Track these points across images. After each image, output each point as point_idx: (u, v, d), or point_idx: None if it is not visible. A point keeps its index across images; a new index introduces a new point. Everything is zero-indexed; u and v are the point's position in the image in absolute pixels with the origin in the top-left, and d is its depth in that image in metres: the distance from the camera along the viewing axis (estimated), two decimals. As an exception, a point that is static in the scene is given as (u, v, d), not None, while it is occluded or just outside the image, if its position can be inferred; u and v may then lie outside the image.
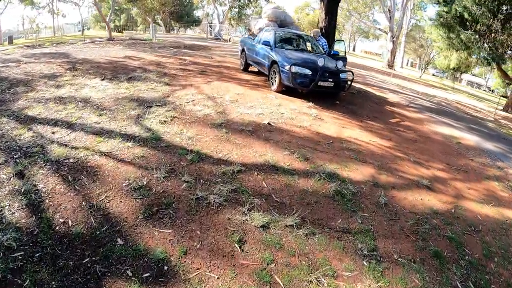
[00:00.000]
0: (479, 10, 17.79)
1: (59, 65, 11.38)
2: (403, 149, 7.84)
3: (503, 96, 30.28)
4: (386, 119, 10.21)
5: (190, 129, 6.54)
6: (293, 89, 10.06)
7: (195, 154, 5.58)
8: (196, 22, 60.38)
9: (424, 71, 46.98)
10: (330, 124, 8.34)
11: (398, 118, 10.65)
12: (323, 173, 5.61)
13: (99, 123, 6.43)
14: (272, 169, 5.53)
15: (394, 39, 39.15)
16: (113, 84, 9.20)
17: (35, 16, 49.44)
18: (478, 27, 18.57)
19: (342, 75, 9.95)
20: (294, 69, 9.40)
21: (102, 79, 9.76)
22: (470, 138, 10.37)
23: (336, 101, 10.70)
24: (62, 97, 7.75)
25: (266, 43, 10.96)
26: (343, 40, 15.70)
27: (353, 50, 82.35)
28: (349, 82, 10.39)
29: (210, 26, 37.99)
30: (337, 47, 19.41)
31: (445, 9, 19.80)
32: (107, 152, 5.36)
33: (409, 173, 6.56)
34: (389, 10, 39.51)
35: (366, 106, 11.14)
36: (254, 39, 13.09)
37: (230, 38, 34.66)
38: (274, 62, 10.33)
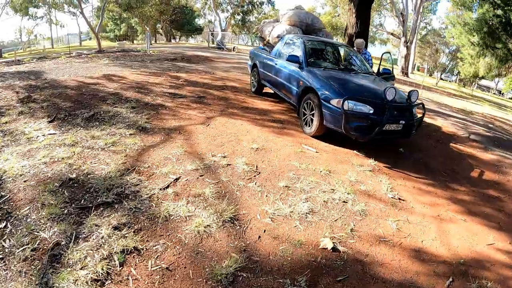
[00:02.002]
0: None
1: (17, 92, 8.40)
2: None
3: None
4: (467, 174, 6.46)
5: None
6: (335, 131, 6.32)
7: None
8: (198, 30, 57.12)
9: (440, 78, 43.59)
10: (425, 217, 4.51)
11: (475, 168, 6.80)
12: None
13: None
14: None
15: (408, 44, 35.57)
16: (58, 134, 5.79)
17: (33, 27, 45.78)
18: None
19: (412, 111, 6.38)
20: (349, 105, 5.84)
21: (51, 121, 6.46)
22: None
23: (400, 148, 7.05)
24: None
25: (292, 59, 7.33)
26: (389, 52, 12.01)
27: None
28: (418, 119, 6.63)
29: (212, 34, 34.58)
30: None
31: (497, 12, 16.66)
32: None
33: None
34: (401, 14, 36.06)
35: (431, 150, 7.33)
36: (269, 50, 9.58)
37: (234, 47, 31.21)
38: (308, 90, 6.80)
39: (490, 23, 17.47)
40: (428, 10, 46.76)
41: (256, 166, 5.06)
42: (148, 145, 5.50)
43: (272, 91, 9.22)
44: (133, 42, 54.73)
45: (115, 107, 7.40)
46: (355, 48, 9.49)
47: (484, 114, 17.81)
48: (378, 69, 8.35)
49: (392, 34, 46.01)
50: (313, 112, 6.53)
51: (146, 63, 15.27)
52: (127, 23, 53.59)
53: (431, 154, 7.04)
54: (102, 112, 6.95)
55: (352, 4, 11.91)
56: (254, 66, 10.05)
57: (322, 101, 6.19)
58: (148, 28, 42.31)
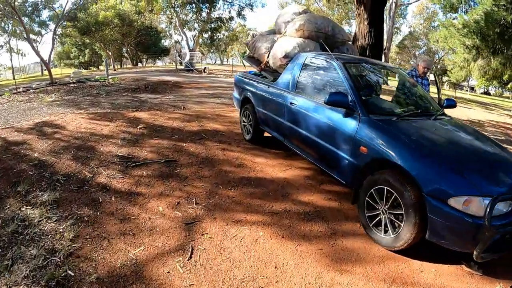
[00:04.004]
0: None
1: None
2: None
3: None
4: None
5: None
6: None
7: None
8: (164, 52, 53.41)
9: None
10: None
11: None
12: None
13: None
14: None
15: (386, 51, 32.77)
16: None
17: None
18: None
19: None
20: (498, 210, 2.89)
21: None
22: None
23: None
24: None
25: (335, 101, 4.08)
26: (432, 72, 8.80)
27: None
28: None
29: (180, 55, 31.08)
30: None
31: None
32: None
33: None
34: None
35: None
36: (271, 78, 6.15)
37: (205, 68, 27.66)
38: (381, 165, 3.72)
39: (502, 24, 14.91)
40: (398, 14, 44.72)
41: None
42: None
43: (272, 135, 6.02)
44: (98, 68, 50.84)
45: (26, 203, 4.06)
46: (418, 70, 6.69)
47: (491, 122, 15.85)
48: (439, 99, 5.22)
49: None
50: (397, 212, 3.39)
51: (100, 97, 11.69)
52: (91, 49, 49.54)
53: None
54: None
55: (362, 7, 8.76)
56: (245, 101, 6.76)
57: (429, 197, 3.09)
58: (110, 53, 38.32)
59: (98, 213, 3.89)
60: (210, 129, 7.54)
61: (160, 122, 7.83)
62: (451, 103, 5.04)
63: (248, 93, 6.50)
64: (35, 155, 5.47)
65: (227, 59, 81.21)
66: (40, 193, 4.26)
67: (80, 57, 53.56)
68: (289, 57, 5.62)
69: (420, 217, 3.14)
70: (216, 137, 6.94)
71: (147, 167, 5.19)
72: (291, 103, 5.05)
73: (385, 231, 3.52)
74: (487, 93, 50.05)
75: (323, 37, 5.94)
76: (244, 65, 7.64)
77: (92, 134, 6.63)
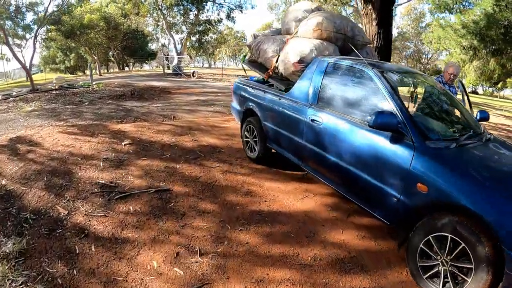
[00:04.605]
0: None
1: None
2: None
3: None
4: None
5: None
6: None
7: None
8: (152, 55, 52.04)
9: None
10: None
11: None
12: None
13: None
14: None
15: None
16: None
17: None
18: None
19: None
20: None
21: None
22: None
23: None
24: None
25: (382, 123, 3.08)
26: (460, 80, 7.81)
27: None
28: None
29: (167, 59, 29.88)
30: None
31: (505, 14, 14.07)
32: None
33: None
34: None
35: None
36: (282, 87, 5.03)
37: (194, 71, 26.41)
38: (449, 210, 2.78)
39: (505, 24, 14.39)
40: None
41: None
42: None
43: (284, 156, 5.00)
44: (84, 72, 49.23)
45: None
46: (445, 76, 5.73)
47: (490, 124, 15.17)
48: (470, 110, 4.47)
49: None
50: (463, 266, 2.67)
51: (83, 106, 10.57)
52: (77, 53, 47.92)
53: None
54: None
55: (370, 7, 7.88)
56: (248, 113, 5.78)
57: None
58: (96, 57, 36.87)
59: (75, 272, 2.93)
60: (206, 144, 6.51)
61: (148, 137, 6.78)
62: (485, 116, 4.20)
63: (252, 104, 5.48)
64: (3, 182, 4.51)
65: (215, 62, 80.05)
66: (3, 240, 3.27)
67: (66, 61, 51.69)
68: (305, 62, 4.62)
69: (494, 273, 2.44)
70: (214, 155, 5.92)
71: (135, 200, 4.16)
72: (312, 120, 4.06)
73: (444, 284, 2.73)
74: (474, 92, 49.87)
75: (342, 39, 4.97)
76: (245, 71, 6.58)
77: (70, 154, 5.58)
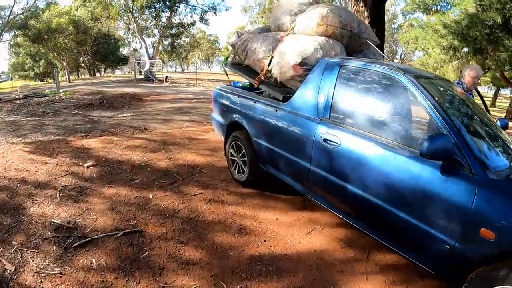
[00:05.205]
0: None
1: None
2: None
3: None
4: None
5: None
6: None
7: None
8: (123, 60, 50.33)
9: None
10: None
11: None
12: None
13: None
14: None
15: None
16: None
17: None
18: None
19: None
20: None
21: None
22: None
23: None
24: None
25: (441, 150, 2.22)
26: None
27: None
28: None
29: (139, 64, 28.59)
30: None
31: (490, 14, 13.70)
32: None
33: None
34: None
35: None
36: (279, 95, 3.93)
37: (166, 76, 25.23)
38: None
39: (490, 25, 13.82)
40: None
41: None
42: None
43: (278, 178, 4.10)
44: (54, 79, 47.11)
45: None
46: (465, 80, 4.84)
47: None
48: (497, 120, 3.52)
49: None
50: None
51: (46, 118, 9.38)
52: (46, 59, 45.84)
53: None
54: None
55: (361, 4, 7.35)
56: (234, 127, 4.81)
57: None
58: (65, 63, 35.15)
59: None
60: (183, 163, 5.53)
61: (115, 155, 5.77)
62: (505, 124, 3.39)
63: (239, 117, 4.51)
64: None
65: (188, 67, 78.68)
66: None
67: (35, 68, 49.59)
68: (308, 65, 3.69)
69: None
70: (194, 178, 4.94)
71: (98, 248, 3.16)
72: (325, 140, 3.13)
73: None
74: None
75: (348, 36, 4.07)
76: (227, 75, 5.65)
77: (23, 181, 4.54)
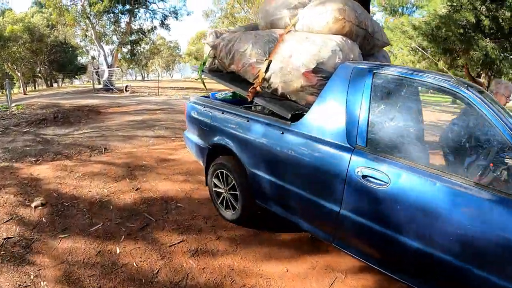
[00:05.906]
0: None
1: None
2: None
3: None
4: None
5: None
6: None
7: None
8: (82, 69, 48.05)
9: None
10: None
11: None
12: None
13: None
14: None
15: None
16: None
17: None
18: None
19: None
20: None
21: None
22: None
23: None
24: None
25: None
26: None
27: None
28: None
29: (97, 73, 26.96)
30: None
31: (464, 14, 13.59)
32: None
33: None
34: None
35: None
36: (287, 113, 2.85)
37: (127, 86, 23.73)
38: None
39: (463, 25, 13.89)
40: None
41: None
42: None
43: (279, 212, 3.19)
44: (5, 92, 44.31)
45: None
46: (497, 97, 3.89)
47: None
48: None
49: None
50: None
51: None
52: (0, 70, 42.99)
53: None
54: None
55: None
56: (217, 151, 3.79)
57: None
58: (19, 74, 32.85)
59: None
60: (154, 195, 4.48)
61: (70, 187, 4.66)
62: None
63: (226, 140, 3.47)
64: None
65: (148, 75, 76.61)
66: None
67: (-11, 79, 46.69)
68: (324, 71, 2.74)
69: None
70: (170, 216, 3.91)
71: None
72: (365, 177, 2.20)
73: None
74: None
75: (362, 36, 3.16)
76: (204, 85, 4.64)
77: None
